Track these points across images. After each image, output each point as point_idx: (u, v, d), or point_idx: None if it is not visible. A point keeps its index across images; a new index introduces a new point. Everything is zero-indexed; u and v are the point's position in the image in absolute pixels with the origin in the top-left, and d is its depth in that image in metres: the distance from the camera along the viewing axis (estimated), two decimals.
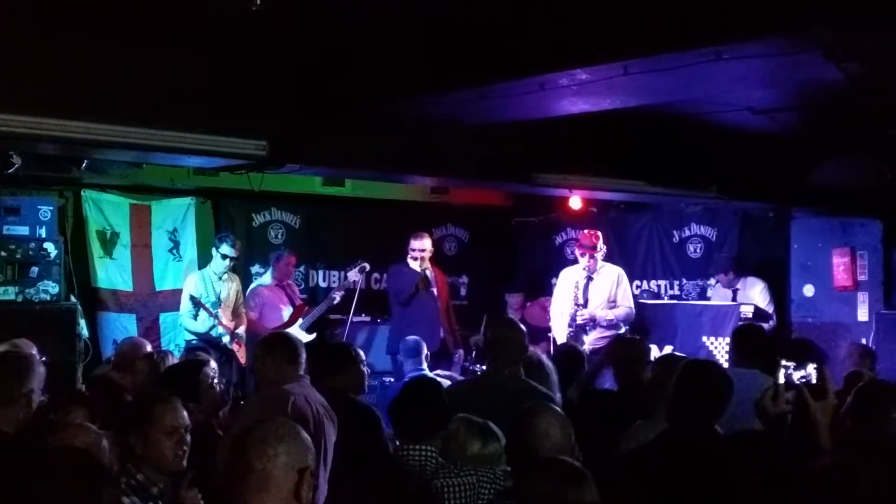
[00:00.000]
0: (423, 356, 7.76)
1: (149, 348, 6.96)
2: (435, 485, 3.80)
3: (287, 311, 9.14)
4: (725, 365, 7.00)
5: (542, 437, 3.53)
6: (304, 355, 4.96)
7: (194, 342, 8.76)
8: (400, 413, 4.13)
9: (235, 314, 9.03)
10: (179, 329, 9.08)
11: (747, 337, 6.30)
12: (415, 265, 8.98)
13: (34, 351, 5.62)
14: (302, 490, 2.86)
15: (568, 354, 6.69)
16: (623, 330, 8.70)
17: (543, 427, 3.56)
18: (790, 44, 4.36)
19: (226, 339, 8.79)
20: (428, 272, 9.04)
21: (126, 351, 6.77)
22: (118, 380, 6.18)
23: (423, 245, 9.02)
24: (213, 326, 8.74)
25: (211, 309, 8.67)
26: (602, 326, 8.67)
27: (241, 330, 8.96)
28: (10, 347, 5.56)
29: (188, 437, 3.77)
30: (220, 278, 8.89)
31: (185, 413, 3.82)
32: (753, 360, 5.78)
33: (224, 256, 8.80)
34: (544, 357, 5.71)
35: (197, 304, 8.64)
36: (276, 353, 4.93)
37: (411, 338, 8.00)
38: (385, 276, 9.54)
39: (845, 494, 2.64)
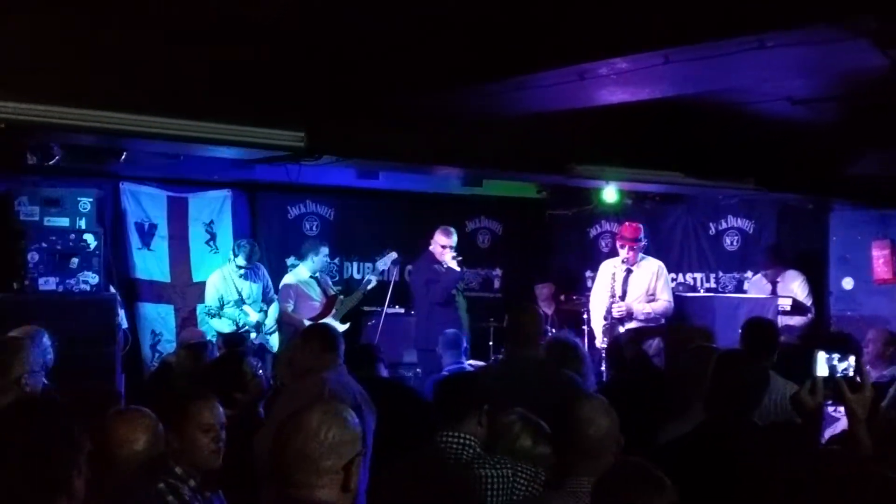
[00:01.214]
0: (463, 349, 7.77)
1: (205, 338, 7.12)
2: (469, 474, 3.77)
3: (319, 303, 9.17)
4: None
5: (586, 424, 3.51)
6: (342, 345, 5.03)
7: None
8: (436, 401, 4.14)
9: (267, 301, 9.08)
10: None
11: (753, 331, 5.84)
12: (453, 263, 8.93)
13: (44, 337, 5.53)
14: (350, 481, 2.84)
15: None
16: (662, 323, 8.64)
17: (587, 414, 3.54)
18: (836, 31, 4.31)
19: (253, 335, 8.84)
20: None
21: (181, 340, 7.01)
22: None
23: (455, 241, 8.98)
24: (241, 327, 8.79)
25: (235, 309, 8.72)
26: (639, 320, 8.59)
27: (272, 317, 8.99)
28: (20, 334, 5.47)
29: (223, 434, 3.80)
30: (240, 276, 8.94)
31: (221, 410, 3.86)
32: (762, 359, 5.26)
33: (238, 267, 8.89)
34: (578, 342, 5.71)
35: (212, 315, 8.71)
36: (314, 342, 5.01)
37: (450, 331, 7.97)
38: (412, 271, 9.40)
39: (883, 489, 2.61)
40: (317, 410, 2.88)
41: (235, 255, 8.93)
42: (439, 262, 8.96)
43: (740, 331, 5.93)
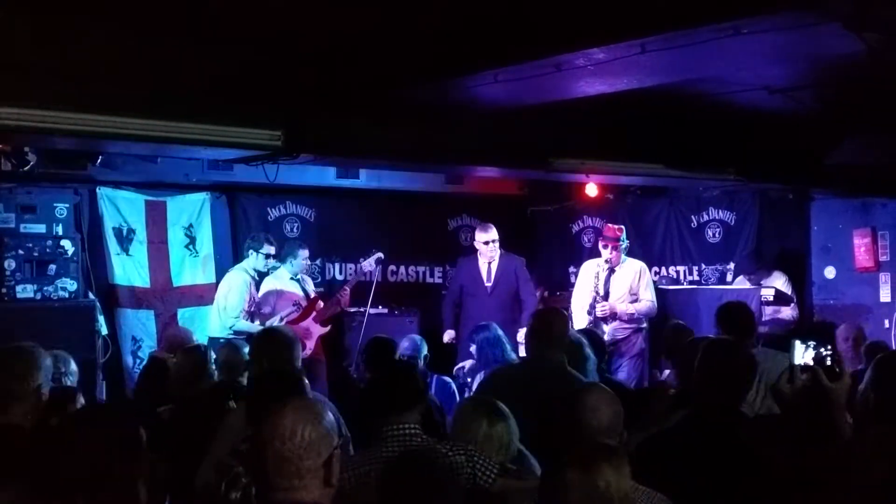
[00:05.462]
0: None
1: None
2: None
3: (301, 306, 9.09)
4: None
5: (590, 413, 3.49)
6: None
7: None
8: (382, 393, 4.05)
9: None
10: (199, 324, 9.03)
11: (729, 314, 5.82)
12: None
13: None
14: (332, 476, 2.82)
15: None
16: (645, 324, 8.60)
17: (592, 403, 3.51)
18: (808, 15, 4.30)
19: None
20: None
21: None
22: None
23: (490, 237, 9.14)
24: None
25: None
26: (622, 320, 8.53)
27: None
28: None
29: None
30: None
31: None
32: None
33: (267, 255, 8.78)
34: (584, 339, 5.64)
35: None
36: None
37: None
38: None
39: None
40: (288, 412, 2.83)
41: (259, 248, 8.72)
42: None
43: (715, 317, 5.89)
